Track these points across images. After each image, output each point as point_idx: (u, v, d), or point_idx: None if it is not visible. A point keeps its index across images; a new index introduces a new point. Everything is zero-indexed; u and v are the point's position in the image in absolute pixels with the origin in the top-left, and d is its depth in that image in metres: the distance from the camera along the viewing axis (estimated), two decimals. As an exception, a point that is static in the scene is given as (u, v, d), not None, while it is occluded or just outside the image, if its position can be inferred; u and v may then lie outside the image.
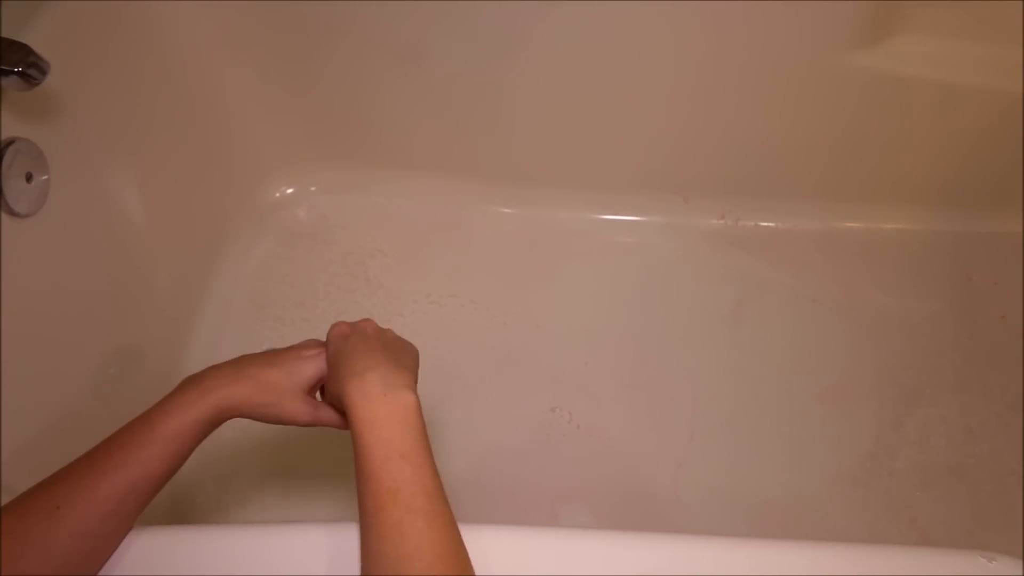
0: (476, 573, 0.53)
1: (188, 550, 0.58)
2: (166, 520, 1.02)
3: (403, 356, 0.67)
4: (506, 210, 1.38)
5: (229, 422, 0.64)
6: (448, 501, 0.56)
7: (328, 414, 0.68)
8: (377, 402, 0.58)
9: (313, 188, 1.39)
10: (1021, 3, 1.08)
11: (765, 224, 1.37)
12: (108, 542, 0.56)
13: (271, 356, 0.68)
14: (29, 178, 0.81)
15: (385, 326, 0.73)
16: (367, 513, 0.54)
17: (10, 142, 0.79)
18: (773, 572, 0.57)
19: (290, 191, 1.39)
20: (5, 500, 0.54)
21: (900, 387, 1.21)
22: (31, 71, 0.74)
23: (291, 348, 0.70)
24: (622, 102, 1.23)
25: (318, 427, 0.68)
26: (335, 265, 1.32)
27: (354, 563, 0.55)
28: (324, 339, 0.72)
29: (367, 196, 1.38)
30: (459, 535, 0.54)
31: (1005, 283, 1.29)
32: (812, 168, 1.31)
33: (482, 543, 0.56)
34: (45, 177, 0.84)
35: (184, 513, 1.06)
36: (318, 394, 0.71)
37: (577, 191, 1.36)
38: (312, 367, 0.67)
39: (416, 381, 0.64)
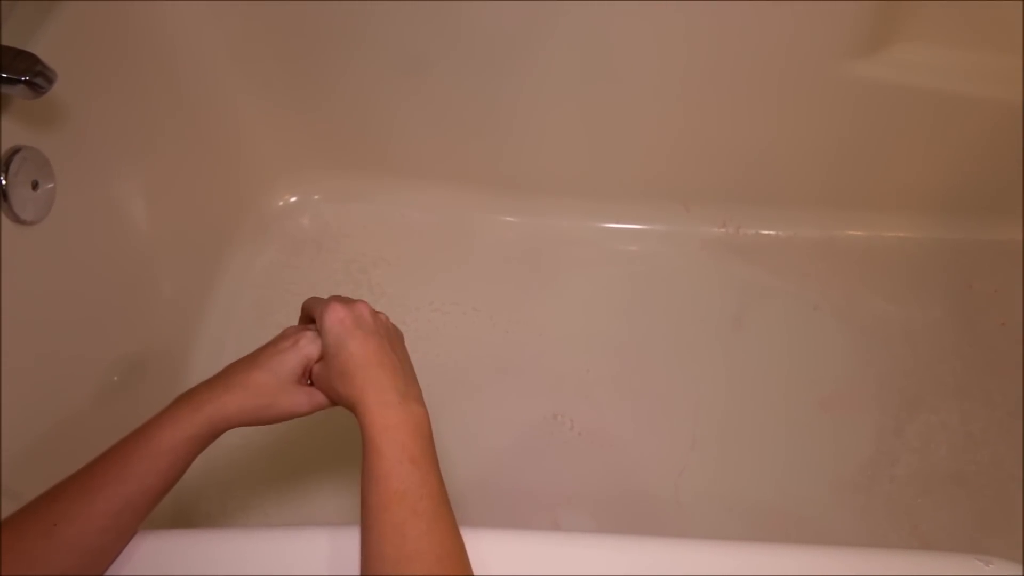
0: (476, 576, 0.54)
1: (192, 553, 0.59)
2: (170, 526, 1.02)
3: (401, 350, 0.67)
4: (508, 218, 1.39)
5: (233, 429, 0.64)
6: (452, 508, 0.56)
7: (325, 400, 0.67)
8: (393, 409, 0.59)
9: (317, 196, 1.40)
10: (1022, 12, 1.08)
11: (766, 232, 1.37)
12: (106, 556, 0.57)
13: (252, 358, 0.67)
14: (35, 186, 0.82)
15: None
16: (371, 514, 0.54)
17: (16, 150, 0.79)
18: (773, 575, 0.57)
19: (294, 199, 1.39)
20: (7, 504, 0.55)
21: (901, 394, 1.21)
22: (38, 80, 0.74)
23: (268, 345, 0.68)
24: (624, 111, 1.23)
25: (318, 431, 0.69)
26: (339, 273, 1.33)
27: (355, 566, 0.56)
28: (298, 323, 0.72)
29: (370, 204, 1.39)
30: (461, 541, 0.55)
31: (1005, 290, 1.30)
32: (813, 176, 1.31)
33: (483, 547, 0.56)
34: (51, 185, 0.85)
35: (188, 519, 1.06)
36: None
37: (579, 200, 1.37)
38: (293, 358, 0.66)
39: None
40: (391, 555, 0.52)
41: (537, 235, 1.37)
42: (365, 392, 0.60)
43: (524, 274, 1.33)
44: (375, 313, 0.68)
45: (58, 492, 0.56)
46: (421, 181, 1.37)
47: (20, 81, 0.73)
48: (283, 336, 0.69)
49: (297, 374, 0.66)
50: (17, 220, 0.80)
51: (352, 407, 0.61)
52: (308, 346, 0.67)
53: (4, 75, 0.73)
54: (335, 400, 0.66)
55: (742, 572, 0.57)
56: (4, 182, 0.77)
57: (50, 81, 0.75)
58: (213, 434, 0.62)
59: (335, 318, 0.65)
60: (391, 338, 0.67)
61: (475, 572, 0.54)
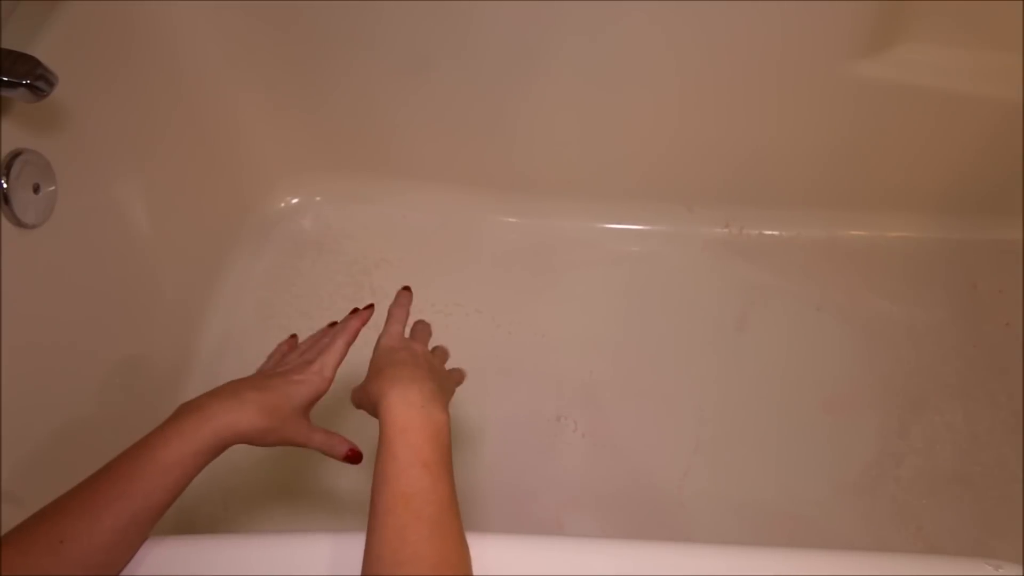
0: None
1: (197, 559, 0.58)
2: (174, 531, 1.02)
3: (446, 382, 0.69)
4: (511, 220, 1.38)
5: None
6: (460, 517, 0.56)
7: (319, 438, 0.69)
8: (415, 410, 0.59)
9: (318, 198, 1.40)
10: (1022, 12, 1.08)
11: (769, 232, 1.37)
12: (111, 570, 0.56)
13: (264, 381, 0.68)
14: (36, 189, 0.82)
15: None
16: (376, 515, 0.54)
17: (18, 153, 0.79)
18: (778, 580, 0.57)
19: (295, 201, 1.39)
20: (8, 509, 0.54)
21: (905, 395, 1.20)
22: (39, 83, 0.74)
23: (279, 373, 0.71)
24: (626, 111, 1.23)
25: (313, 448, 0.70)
26: (340, 275, 1.33)
27: (359, 572, 0.55)
28: (303, 356, 0.75)
29: (372, 206, 1.39)
30: (464, 551, 0.54)
31: (1010, 291, 1.29)
32: (816, 176, 1.31)
33: (487, 552, 0.56)
34: (52, 188, 0.85)
35: (191, 524, 1.06)
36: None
37: (581, 200, 1.37)
38: (305, 390, 0.68)
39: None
40: (388, 558, 0.52)
41: (540, 236, 1.37)
42: (391, 388, 0.61)
43: (527, 275, 1.33)
44: (428, 351, 0.73)
45: (62, 507, 0.55)
46: (423, 182, 1.37)
47: (21, 84, 0.73)
48: (296, 368, 0.71)
49: (303, 406, 0.68)
50: (19, 223, 0.80)
51: (376, 404, 0.61)
52: (318, 382, 0.70)
53: (5, 78, 0.73)
54: (364, 406, 0.67)
55: (746, 576, 0.57)
56: (5, 185, 0.77)
57: (51, 84, 0.75)
58: (220, 448, 0.62)
59: (389, 341, 0.72)
60: (436, 370, 0.69)
61: (480, 577, 0.54)
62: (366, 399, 0.66)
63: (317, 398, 0.69)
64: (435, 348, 0.81)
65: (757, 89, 1.18)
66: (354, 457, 0.71)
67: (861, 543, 1.09)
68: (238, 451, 0.66)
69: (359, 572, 0.53)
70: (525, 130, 1.27)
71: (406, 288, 0.82)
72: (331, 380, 0.71)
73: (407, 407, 0.59)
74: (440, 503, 0.55)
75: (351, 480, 1.10)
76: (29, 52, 0.75)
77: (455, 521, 0.55)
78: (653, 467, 1.14)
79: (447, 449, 0.59)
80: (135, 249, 1.05)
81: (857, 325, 1.27)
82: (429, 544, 0.52)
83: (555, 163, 1.32)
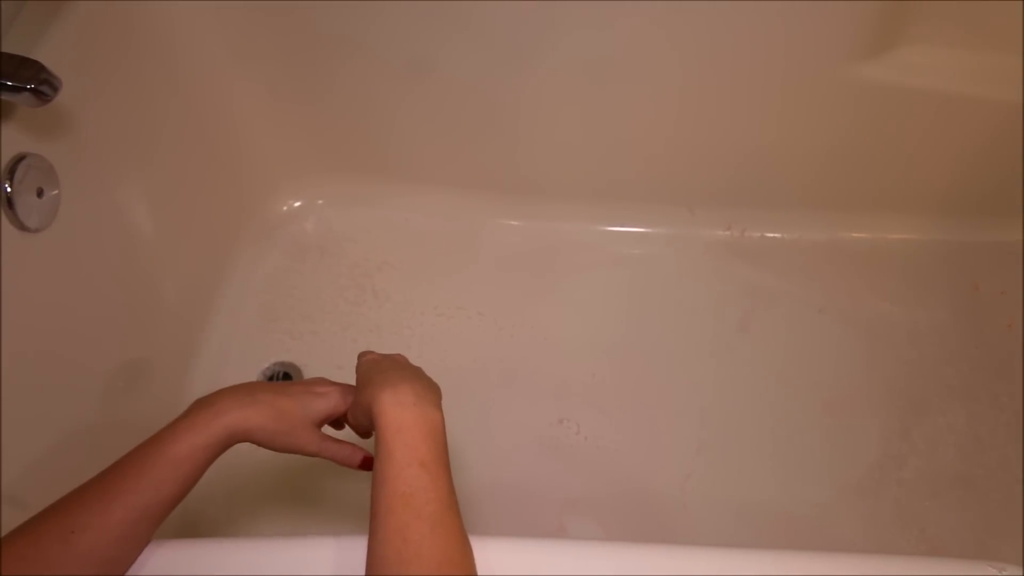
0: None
1: (200, 562, 0.58)
2: (177, 534, 1.02)
3: (433, 385, 0.68)
4: (513, 223, 1.38)
5: None
6: (460, 514, 0.56)
7: (332, 447, 0.69)
8: (408, 410, 0.59)
9: (321, 201, 1.40)
10: (1022, 12, 1.08)
11: (771, 235, 1.37)
12: (120, 565, 0.56)
13: (283, 386, 0.68)
14: (40, 193, 0.82)
15: (393, 338, 0.74)
16: (377, 516, 0.54)
17: (21, 157, 0.79)
18: (781, 583, 0.57)
19: (298, 204, 1.39)
20: (11, 513, 0.54)
21: (907, 397, 1.20)
22: (43, 88, 0.74)
23: (302, 382, 0.71)
24: (628, 114, 1.23)
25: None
26: (343, 278, 1.33)
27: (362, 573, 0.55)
28: (329, 374, 0.75)
29: (374, 209, 1.39)
30: (467, 547, 0.55)
31: (1012, 292, 1.29)
32: (817, 179, 1.31)
33: (489, 554, 0.56)
34: (56, 192, 0.85)
35: (195, 526, 1.06)
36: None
37: (583, 203, 1.37)
38: (323, 403, 0.68)
39: None
40: (392, 558, 0.52)
41: (541, 239, 1.37)
42: (382, 391, 0.61)
43: (528, 278, 1.33)
44: (411, 364, 0.73)
45: (74, 500, 0.56)
46: (425, 185, 1.37)
47: (25, 89, 0.73)
48: (319, 381, 0.72)
49: (319, 418, 0.68)
50: (22, 228, 0.80)
51: (369, 409, 0.61)
52: (337, 398, 0.69)
53: (9, 83, 0.73)
54: (360, 421, 0.67)
55: (749, 578, 0.57)
56: (9, 189, 0.77)
57: (55, 89, 0.75)
58: (228, 443, 0.62)
59: (370, 356, 0.72)
60: (421, 374, 0.69)
61: (482, 580, 0.54)
62: (359, 411, 0.66)
63: (332, 415, 0.69)
64: None
65: (759, 91, 1.18)
66: (369, 465, 0.71)
67: (864, 546, 1.09)
68: (242, 454, 0.66)
69: (363, 574, 0.54)
70: (527, 133, 1.27)
71: None
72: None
73: (400, 407, 0.59)
74: (440, 501, 0.55)
75: (353, 482, 1.10)
76: (33, 56, 0.75)
77: (456, 518, 0.55)
78: (655, 469, 1.14)
79: (444, 447, 0.59)
80: (138, 253, 1.05)
81: (859, 327, 1.27)
82: (431, 542, 0.53)
83: (557, 166, 1.32)
